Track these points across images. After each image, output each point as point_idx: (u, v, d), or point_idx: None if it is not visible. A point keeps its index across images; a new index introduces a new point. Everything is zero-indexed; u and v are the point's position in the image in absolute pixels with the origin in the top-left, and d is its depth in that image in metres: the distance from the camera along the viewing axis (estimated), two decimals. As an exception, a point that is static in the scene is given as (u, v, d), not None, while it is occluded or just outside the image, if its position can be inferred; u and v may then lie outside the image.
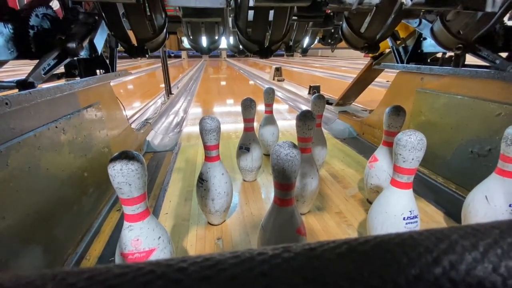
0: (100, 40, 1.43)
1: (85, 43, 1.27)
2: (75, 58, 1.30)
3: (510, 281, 0.12)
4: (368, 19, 1.27)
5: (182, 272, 0.12)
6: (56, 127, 1.15)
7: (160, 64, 4.76)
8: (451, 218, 1.34)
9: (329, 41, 2.30)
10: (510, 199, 1.05)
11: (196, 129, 3.01)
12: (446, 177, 1.67)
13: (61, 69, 1.31)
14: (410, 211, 1.01)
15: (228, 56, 22.87)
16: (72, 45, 1.13)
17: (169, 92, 4.86)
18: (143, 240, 0.85)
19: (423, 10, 1.49)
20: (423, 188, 1.61)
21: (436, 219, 1.35)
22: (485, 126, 1.45)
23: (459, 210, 1.22)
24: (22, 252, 0.89)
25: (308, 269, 0.12)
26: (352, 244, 0.13)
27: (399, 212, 1.01)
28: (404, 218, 1.01)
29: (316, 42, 2.30)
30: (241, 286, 0.11)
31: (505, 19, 1.46)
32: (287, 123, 3.23)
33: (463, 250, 0.12)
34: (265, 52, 1.34)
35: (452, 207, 1.39)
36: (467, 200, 1.18)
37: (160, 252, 0.88)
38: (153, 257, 0.86)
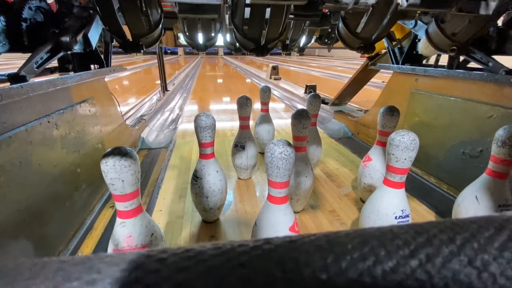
0: (94, 34, 1.41)
1: (79, 37, 1.25)
2: (69, 52, 1.28)
3: (484, 274, 0.12)
4: (364, 19, 1.28)
5: (161, 262, 0.12)
6: (49, 122, 1.13)
7: (156, 61, 4.72)
8: (442, 218, 1.36)
9: (326, 40, 2.30)
10: (499, 200, 1.07)
11: (191, 126, 2.98)
12: (438, 177, 1.69)
13: (54, 63, 1.29)
14: (402, 210, 1.02)
15: (225, 53, 22.77)
16: (66, 39, 1.11)
17: (164, 88, 4.82)
18: (135, 237, 0.84)
19: (418, 12, 1.50)
20: (415, 187, 1.63)
21: (427, 218, 1.37)
22: (477, 128, 1.47)
23: (450, 210, 1.24)
24: (12, 248, 0.88)
25: (287, 260, 0.12)
26: (332, 237, 0.13)
27: (391, 211, 1.02)
28: (396, 217, 1.02)
29: (313, 41, 2.30)
30: (219, 277, 0.12)
31: (499, 22, 1.48)
32: (283, 122, 3.23)
33: (440, 243, 0.13)
34: (261, 50, 1.34)
35: (443, 207, 1.42)
36: (457, 200, 1.20)
37: (153, 249, 0.88)
38: (146, 253, 0.86)
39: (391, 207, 1.03)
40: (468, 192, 1.16)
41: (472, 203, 1.12)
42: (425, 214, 1.40)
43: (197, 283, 0.11)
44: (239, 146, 1.70)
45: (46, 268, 0.12)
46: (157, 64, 4.54)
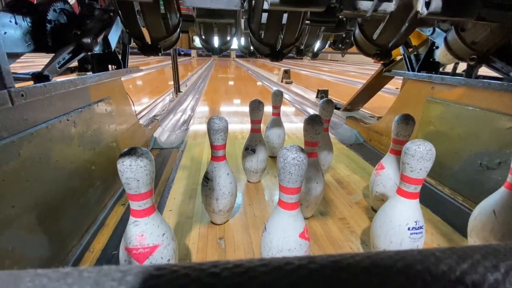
0: (114, 36, 1.45)
1: (100, 39, 1.29)
2: (89, 53, 1.32)
3: None
4: (381, 26, 1.26)
5: (214, 277, 0.12)
6: (68, 120, 1.17)
7: (169, 62, 4.80)
8: (457, 231, 1.32)
9: (340, 46, 2.29)
10: (518, 215, 1.03)
11: (202, 127, 3.02)
12: (453, 189, 1.64)
13: (74, 63, 1.33)
14: (416, 222, 1.00)
15: (237, 56, 22.94)
16: (87, 40, 1.15)
17: (177, 89, 4.90)
18: (147, 236, 0.86)
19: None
20: (429, 198, 1.59)
21: (441, 231, 1.33)
22: (496, 139, 1.42)
23: (465, 223, 1.20)
24: (28, 241, 0.90)
25: (335, 281, 0.12)
26: (375, 258, 0.13)
27: (404, 222, 1.00)
28: (409, 228, 1.00)
29: (326, 46, 2.30)
30: None
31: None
32: (293, 126, 3.22)
33: (485, 270, 0.12)
34: (276, 55, 1.35)
35: (458, 220, 1.37)
36: (474, 213, 1.16)
37: (164, 249, 0.89)
38: (157, 253, 0.87)
39: (404, 218, 1.01)
40: (485, 205, 1.12)
41: (489, 217, 1.08)
42: (439, 227, 1.36)
43: None
44: (250, 149, 1.70)
45: (108, 275, 0.12)
46: (171, 65, 4.63)
